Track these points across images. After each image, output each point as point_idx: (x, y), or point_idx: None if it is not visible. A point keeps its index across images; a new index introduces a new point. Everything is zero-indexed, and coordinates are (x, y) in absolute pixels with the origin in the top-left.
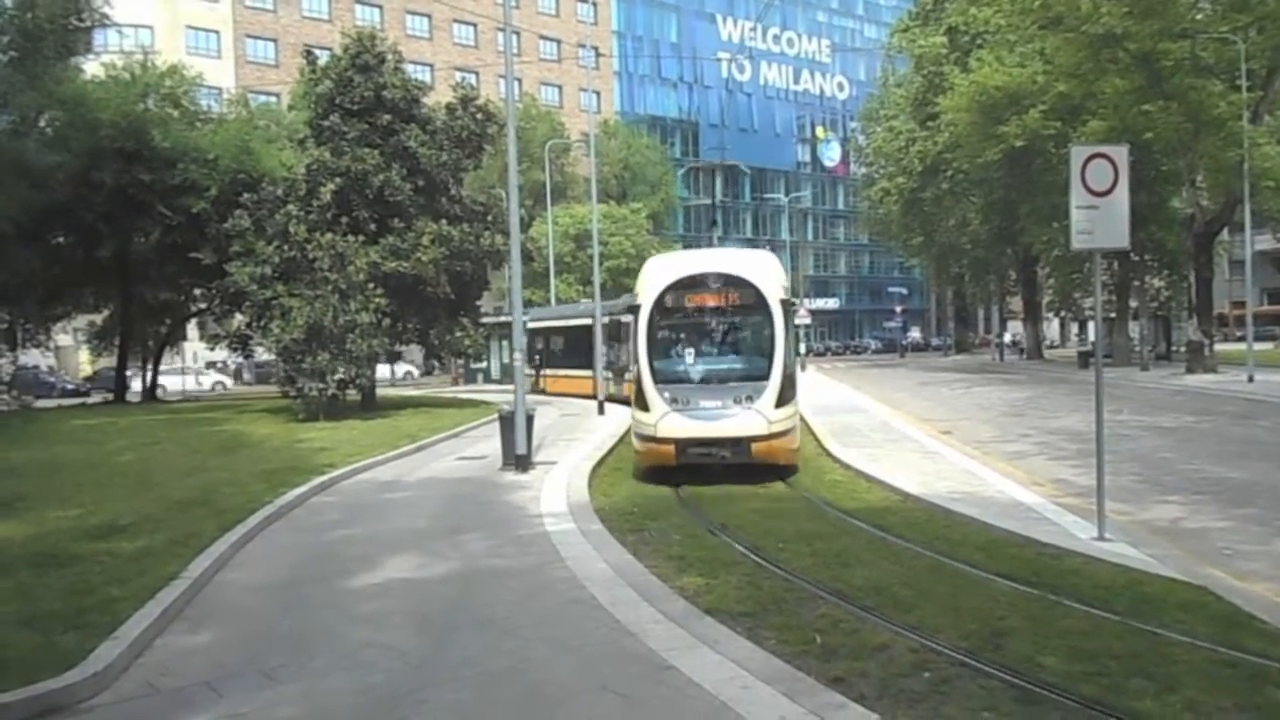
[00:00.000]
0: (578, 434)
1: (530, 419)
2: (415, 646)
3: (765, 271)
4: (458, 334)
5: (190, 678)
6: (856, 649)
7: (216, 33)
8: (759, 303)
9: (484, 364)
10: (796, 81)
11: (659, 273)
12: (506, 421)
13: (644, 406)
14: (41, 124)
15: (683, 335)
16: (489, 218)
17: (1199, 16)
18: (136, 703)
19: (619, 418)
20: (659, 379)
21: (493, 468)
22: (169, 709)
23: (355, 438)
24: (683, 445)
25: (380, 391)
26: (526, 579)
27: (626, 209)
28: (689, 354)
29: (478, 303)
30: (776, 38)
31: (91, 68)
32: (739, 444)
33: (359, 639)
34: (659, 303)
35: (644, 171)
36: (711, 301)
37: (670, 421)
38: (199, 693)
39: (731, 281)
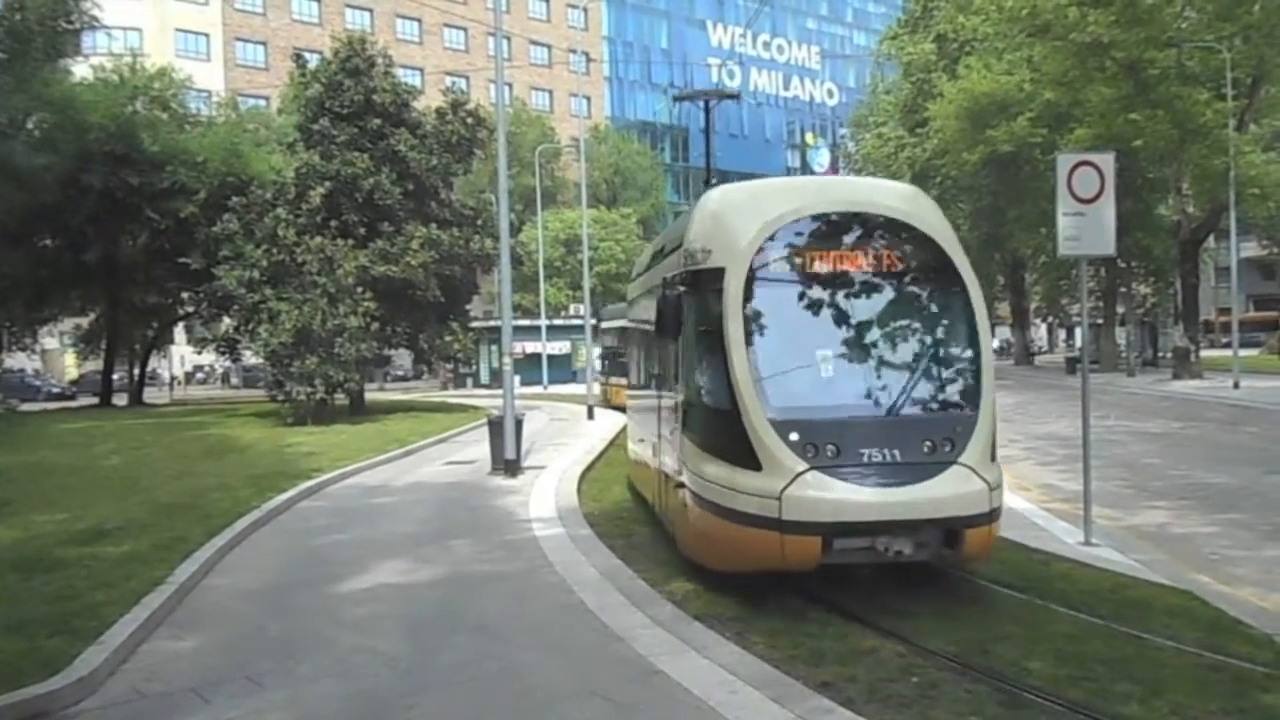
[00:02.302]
0: (567, 439)
1: (519, 424)
2: (404, 652)
3: (937, 217)
4: (447, 338)
5: (177, 683)
6: (844, 653)
7: (206, 35)
8: (941, 266)
9: (473, 368)
10: (786, 88)
11: (750, 209)
12: (496, 426)
13: (744, 458)
14: (29, 126)
15: (809, 324)
16: (479, 222)
17: (1185, 25)
18: (122, 708)
19: (608, 422)
20: (776, 407)
21: (482, 472)
22: (155, 715)
23: (344, 442)
24: (835, 534)
25: (369, 396)
26: (515, 584)
27: (617, 214)
28: (827, 360)
29: (467, 307)
30: (766, 44)
31: (80, 70)
32: (939, 531)
33: (347, 644)
34: (759, 263)
35: (634, 177)
36: (859, 264)
37: (813, 489)
38: (185, 699)
39: (892, 230)
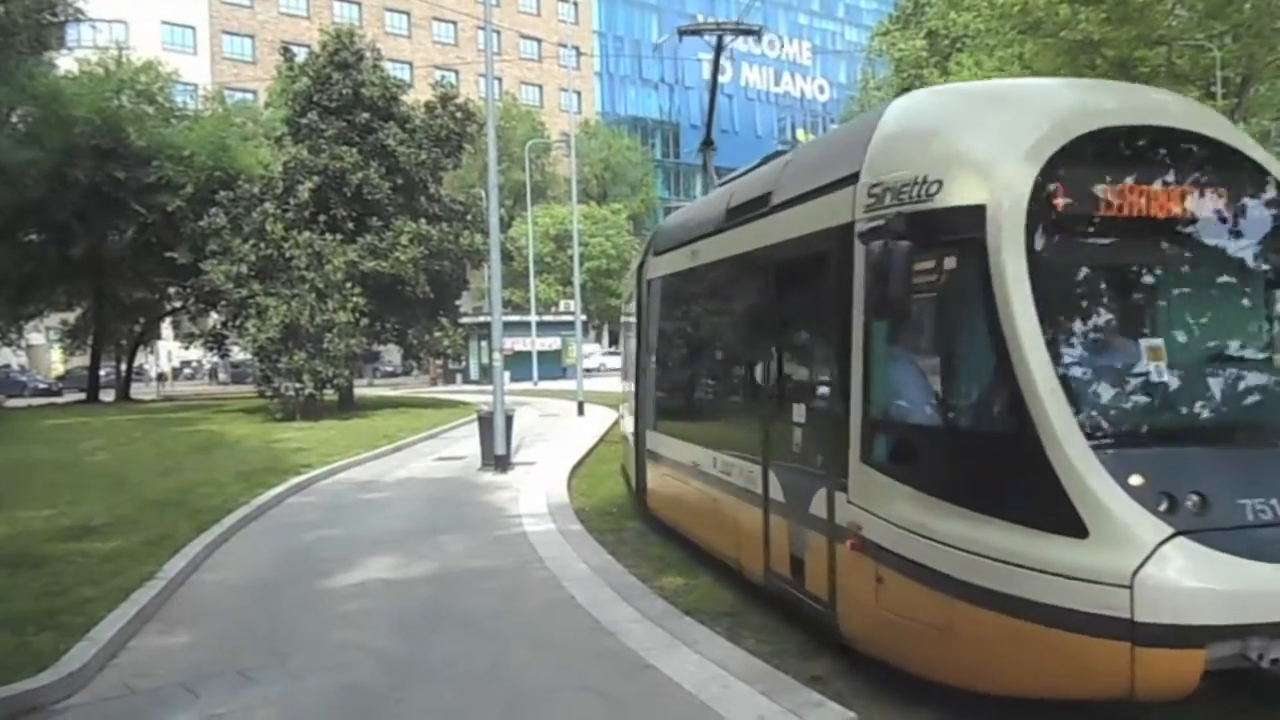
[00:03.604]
0: (557, 435)
1: (509, 420)
2: (394, 647)
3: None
4: (436, 334)
5: (166, 678)
6: (834, 649)
7: (192, 28)
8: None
9: (463, 364)
10: (777, 84)
11: (1008, 117)
12: (485, 422)
13: (1043, 513)
14: (14, 120)
15: (1127, 299)
16: (468, 217)
17: (1175, 23)
18: (112, 703)
19: (599, 418)
20: (1101, 430)
21: (471, 468)
22: (145, 709)
23: (333, 438)
24: (1222, 638)
25: (358, 392)
26: (506, 579)
27: (607, 210)
28: (1159, 355)
29: (457, 303)
30: (757, 39)
31: (65, 63)
32: None
33: (337, 639)
34: (1047, 199)
35: (624, 172)
36: (1195, 209)
37: (1195, 568)
38: (175, 693)
39: (1227, 163)
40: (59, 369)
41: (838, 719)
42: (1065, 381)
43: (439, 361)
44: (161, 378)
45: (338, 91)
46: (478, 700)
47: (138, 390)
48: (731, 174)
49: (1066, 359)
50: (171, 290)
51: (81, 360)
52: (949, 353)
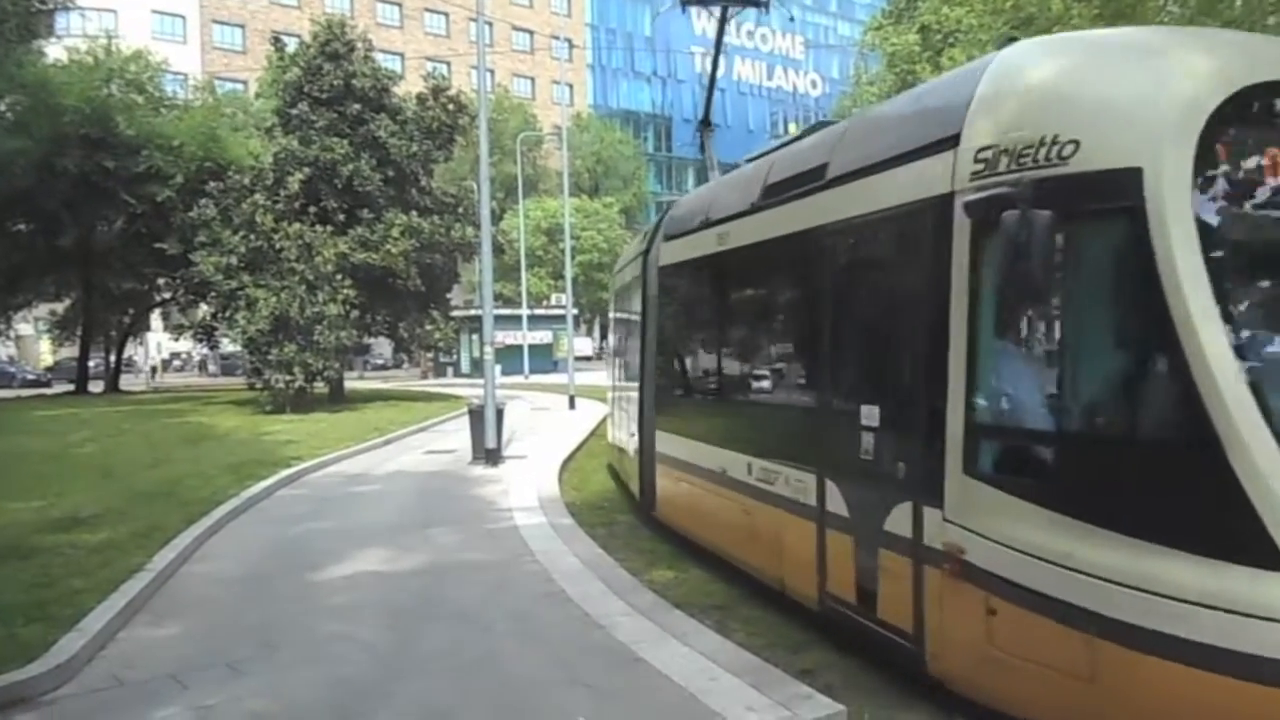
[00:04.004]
0: (548, 428)
1: (500, 413)
2: (384, 640)
3: None
4: (427, 327)
5: (155, 670)
6: (824, 642)
7: (182, 18)
8: None
9: (454, 357)
10: (770, 78)
11: (1156, 68)
12: (476, 415)
13: (1226, 542)
14: (2, 109)
15: None
16: (460, 210)
17: (1167, 19)
18: (101, 695)
19: (590, 412)
20: None
21: (462, 461)
22: (134, 701)
23: (323, 430)
24: None
25: (348, 384)
26: (496, 572)
27: (599, 203)
28: None
29: (448, 296)
30: (750, 33)
31: (54, 52)
32: None
33: (327, 632)
34: (1215, 162)
35: (617, 166)
36: None
37: None
38: (164, 685)
39: None
40: (48, 360)
41: (827, 711)
42: (1251, 378)
43: (430, 355)
44: (155, 370)
45: (329, 82)
46: (468, 693)
47: (127, 382)
48: (755, 154)
49: (1249, 351)
50: (161, 281)
51: (70, 351)
52: (1095, 344)
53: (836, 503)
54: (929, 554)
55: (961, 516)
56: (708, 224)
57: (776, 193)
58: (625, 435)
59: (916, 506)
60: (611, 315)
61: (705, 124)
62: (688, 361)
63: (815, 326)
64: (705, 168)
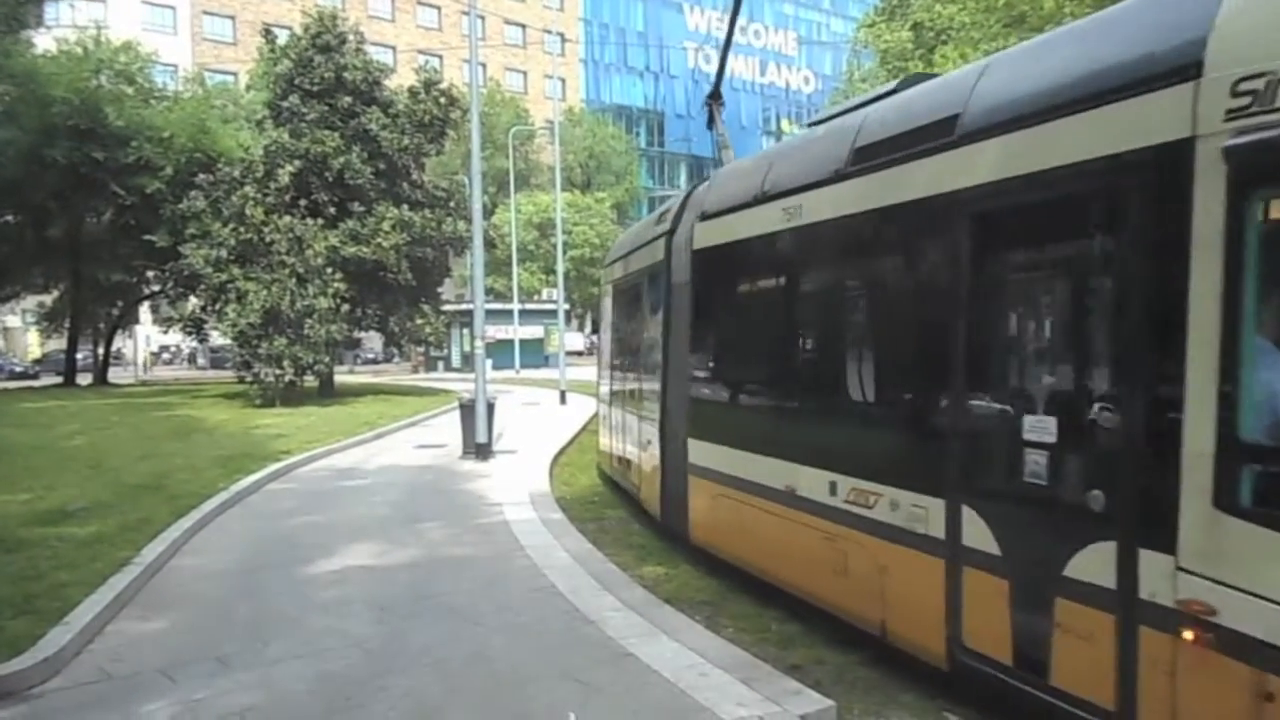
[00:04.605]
0: (539, 423)
1: (491, 408)
2: (374, 634)
3: None
4: (418, 321)
5: (143, 664)
6: (813, 638)
7: (172, 9)
8: None
9: (444, 352)
10: (763, 74)
11: None
12: (467, 410)
13: None
14: None
15: None
16: (451, 204)
17: None
18: (88, 688)
19: (581, 407)
20: None
21: (453, 456)
22: (122, 695)
23: (313, 424)
24: None
25: (339, 378)
26: (487, 567)
27: (591, 198)
28: None
29: (439, 290)
30: (743, 29)
31: (43, 42)
32: None
33: (317, 626)
34: None
35: (609, 161)
36: None
37: None
38: (152, 679)
39: None
40: (35, 352)
41: (816, 707)
42: None
43: (420, 349)
44: (148, 363)
45: (320, 75)
46: (457, 688)
47: (115, 374)
48: (823, 115)
49: None
50: (150, 273)
51: (58, 343)
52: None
53: (980, 536)
54: (1148, 611)
55: (1209, 565)
56: (766, 197)
57: (875, 155)
58: (634, 444)
59: (1125, 548)
60: (607, 309)
61: (715, 97)
62: (739, 359)
63: (943, 316)
64: (698, 163)
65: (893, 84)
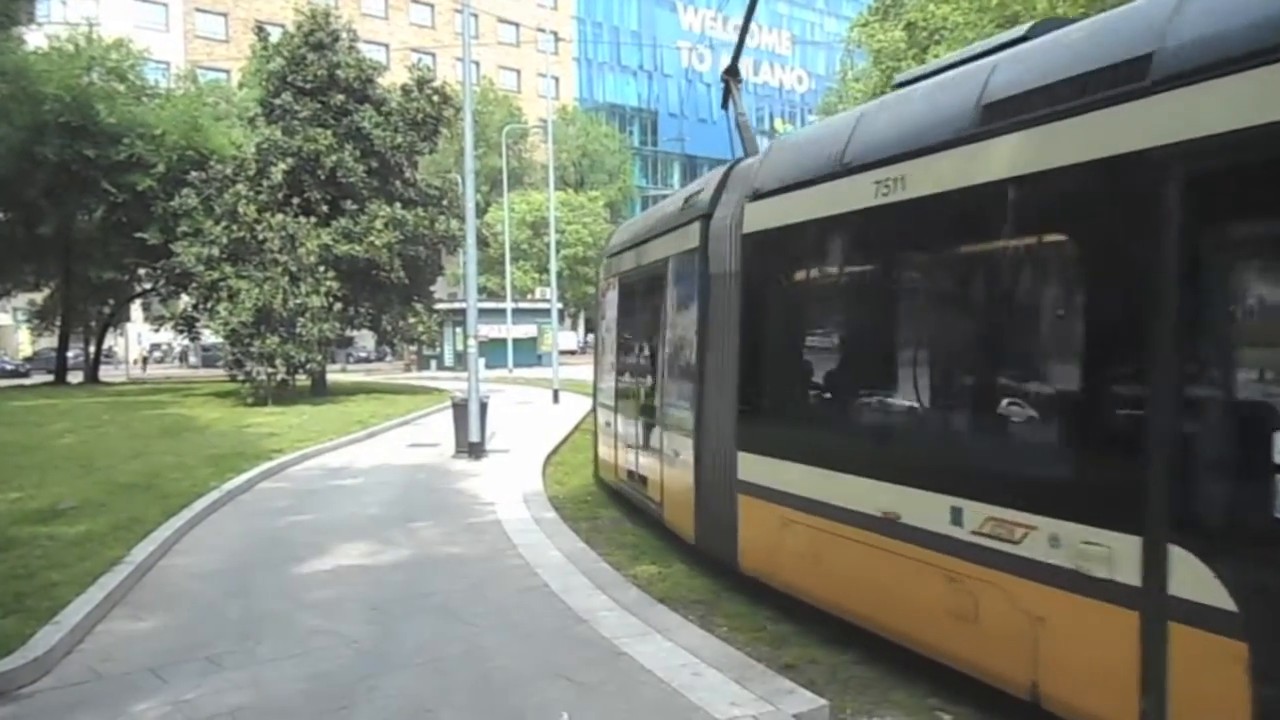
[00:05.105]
0: (532, 422)
1: (484, 407)
2: (366, 634)
3: None
4: (411, 320)
5: (134, 664)
6: (807, 638)
7: (165, 6)
8: None
9: (437, 351)
10: (756, 74)
11: None
12: (460, 409)
13: None
14: None
15: None
16: (444, 202)
17: None
18: (79, 688)
19: (574, 406)
20: None
21: (445, 455)
22: (112, 695)
23: (305, 423)
24: None
25: (331, 377)
26: (479, 566)
27: (584, 197)
28: None
29: (431, 288)
30: (737, 28)
31: (34, 39)
32: None
33: (308, 626)
34: None
35: (602, 159)
36: None
37: None
38: (143, 679)
39: None
40: (26, 350)
41: (810, 706)
42: None
43: (413, 348)
44: (145, 361)
45: (312, 72)
46: (449, 687)
47: (106, 373)
48: (920, 70)
49: None
50: (141, 271)
51: (49, 342)
52: None
53: (1200, 585)
54: None
55: None
56: (849, 169)
57: (1018, 110)
58: (652, 455)
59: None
60: (610, 304)
61: (732, 73)
62: (813, 360)
63: (1137, 296)
64: (691, 162)
65: (1023, 28)
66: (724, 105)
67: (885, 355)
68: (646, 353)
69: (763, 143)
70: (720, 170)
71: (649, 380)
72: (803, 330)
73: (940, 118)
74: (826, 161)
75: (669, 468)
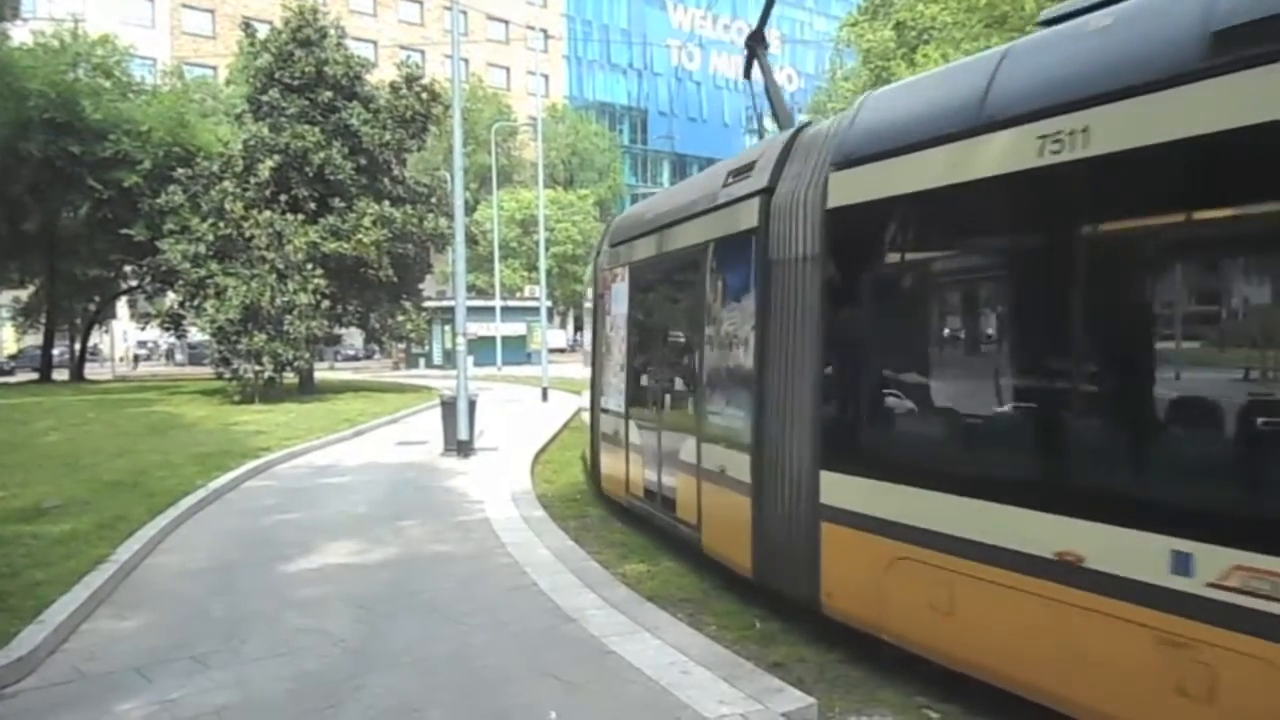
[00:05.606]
0: (521, 420)
1: (472, 405)
2: (353, 633)
3: None
4: (399, 318)
5: (119, 663)
6: (795, 636)
7: (151, 1)
8: None
9: (425, 349)
10: (746, 75)
11: None
12: (448, 407)
13: None
14: None
15: None
16: (433, 200)
17: None
18: (63, 688)
19: (562, 404)
20: None
21: (434, 453)
22: (96, 694)
23: (292, 421)
24: None
25: (319, 375)
26: (467, 565)
27: (573, 195)
28: None
29: (420, 286)
30: (726, 27)
31: (19, 34)
32: None
33: (295, 625)
34: None
35: (592, 158)
36: None
37: None
38: (128, 678)
39: None
40: (11, 348)
41: (798, 704)
42: None
43: (401, 346)
44: (137, 359)
45: (300, 69)
46: (437, 686)
47: (92, 370)
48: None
49: None
50: (127, 268)
51: (34, 339)
52: None
53: None
54: None
55: None
56: (996, 122)
57: (1272, 37)
58: (686, 471)
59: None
60: (619, 297)
61: (758, 38)
62: (940, 362)
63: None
64: (681, 160)
65: None
66: (746, 75)
67: (1053, 354)
68: (676, 353)
69: (750, 142)
70: (780, 137)
71: (681, 384)
72: (925, 323)
73: (1138, 55)
74: (956, 114)
75: (711, 486)
